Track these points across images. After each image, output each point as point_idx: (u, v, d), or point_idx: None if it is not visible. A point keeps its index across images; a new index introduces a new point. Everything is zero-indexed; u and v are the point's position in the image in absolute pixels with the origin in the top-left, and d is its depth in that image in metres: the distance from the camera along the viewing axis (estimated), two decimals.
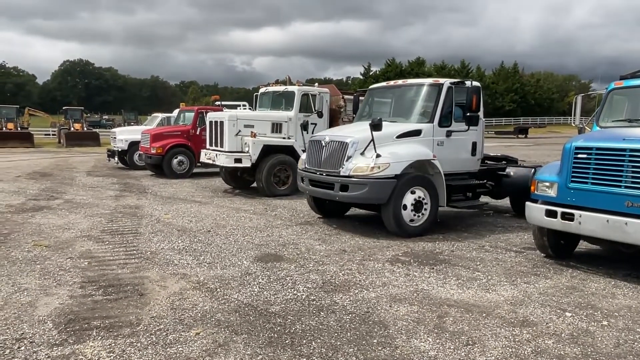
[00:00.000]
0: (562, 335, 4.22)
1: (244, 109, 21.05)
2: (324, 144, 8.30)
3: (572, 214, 5.75)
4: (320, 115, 12.86)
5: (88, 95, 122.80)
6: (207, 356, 3.75)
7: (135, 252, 6.71)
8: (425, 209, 7.83)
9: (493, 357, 3.79)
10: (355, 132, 8.13)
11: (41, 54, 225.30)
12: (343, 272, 5.93)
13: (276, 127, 12.43)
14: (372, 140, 7.51)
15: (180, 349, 3.87)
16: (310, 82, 15.60)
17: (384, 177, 7.44)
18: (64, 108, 43.26)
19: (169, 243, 7.21)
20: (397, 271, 6.00)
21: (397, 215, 7.58)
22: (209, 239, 7.51)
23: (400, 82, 9.47)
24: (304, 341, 4.03)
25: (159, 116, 21.31)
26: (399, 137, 7.98)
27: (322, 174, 8.18)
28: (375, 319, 4.50)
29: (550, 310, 4.77)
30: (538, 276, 5.86)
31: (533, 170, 9.17)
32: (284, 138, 12.37)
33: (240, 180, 13.11)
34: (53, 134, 44.22)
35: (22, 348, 3.85)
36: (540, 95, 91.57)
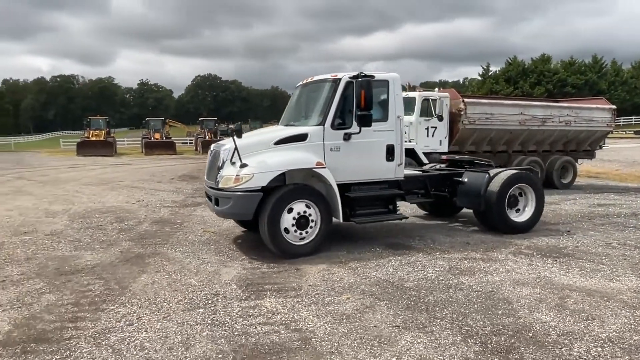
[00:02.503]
0: None
1: None
2: (210, 153, 7.60)
3: None
4: (440, 118, 13.60)
5: (216, 107, 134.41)
6: (359, 313, 4.69)
7: None
8: (313, 225, 6.84)
9: (611, 330, 4.23)
10: (236, 139, 6.85)
11: (174, 71, 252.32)
12: (467, 260, 6.56)
13: None
14: (235, 148, 6.62)
15: (336, 307, 4.86)
16: (424, 85, 16.06)
17: (247, 190, 6.52)
18: (200, 119, 48.07)
19: None
20: (519, 261, 6.47)
21: (273, 233, 6.58)
22: (343, 230, 8.55)
23: (310, 79, 8.00)
24: (437, 308, 4.80)
25: None
26: (278, 143, 6.94)
27: (207, 186, 7.43)
28: (499, 297, 5.11)
29: None
30: None
31: (487, 175, 8.06)
32: (405, 142, 13.08)
33: None
34: (190, 142, 49.61)
35: (219, 300, 5.12)
36: None
